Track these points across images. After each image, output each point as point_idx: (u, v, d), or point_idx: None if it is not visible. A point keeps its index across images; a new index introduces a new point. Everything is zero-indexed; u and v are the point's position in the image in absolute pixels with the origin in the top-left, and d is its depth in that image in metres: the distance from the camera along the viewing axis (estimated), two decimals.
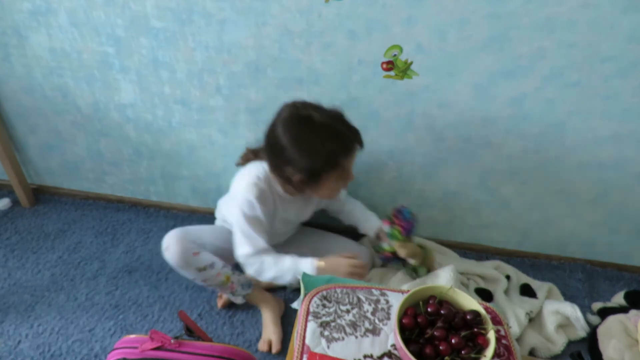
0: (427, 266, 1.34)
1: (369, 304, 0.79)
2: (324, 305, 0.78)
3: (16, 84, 1.38)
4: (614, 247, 1.51)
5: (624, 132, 1.22)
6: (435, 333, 0.71)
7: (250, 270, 1.14)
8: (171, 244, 1.11)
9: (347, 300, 0.79)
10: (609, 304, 1.39)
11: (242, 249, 1.13)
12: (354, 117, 1.29)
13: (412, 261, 1.29)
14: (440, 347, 0.69)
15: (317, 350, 0.71)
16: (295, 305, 0.90)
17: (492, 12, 1.06)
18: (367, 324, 0.76)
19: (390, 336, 0.74)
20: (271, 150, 1.10)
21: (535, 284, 1.45)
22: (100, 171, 1.60)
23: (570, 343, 1.30)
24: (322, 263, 1.11)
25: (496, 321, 0.80)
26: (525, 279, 1.48)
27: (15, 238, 1.51)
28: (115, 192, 1.67)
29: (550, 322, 1.30)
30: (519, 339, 1.27)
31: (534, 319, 1.33)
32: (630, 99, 1.16)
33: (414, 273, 1.34)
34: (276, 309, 1.30)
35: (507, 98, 1.20)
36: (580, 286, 1.49)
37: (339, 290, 0.81)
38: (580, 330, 1.31)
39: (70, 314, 1.29)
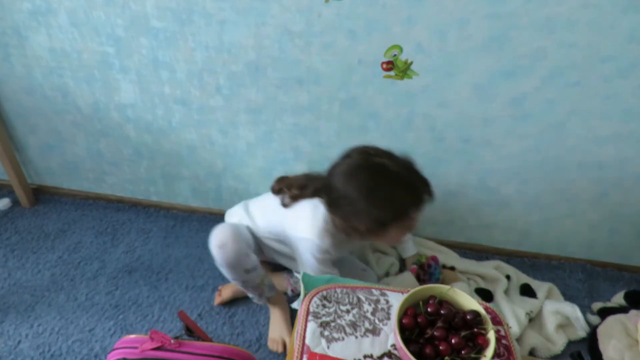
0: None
1: (369, 304, 0.79)
2: (324, 305, 0.78)
3: (16, 84, 1.38)
4: (614, 247, 1.51)
5: (624, 132, 1.22)
6: (435, 333, 0.71)
7: None
8: (229, 242, 1.07)
9: (347, 300, 0.79)
10: (609, 304, 1.39)
11: None
12: (354, 117, 1.30)
13: None
14: (440, 347, 0.69)
15: (317, 350, 0.71)
16: (295, 305, 0.90)
17: (492, 12, 1.06)
18: (367, 324, 0.76)
19: (390, 336, 0.74)
20: (337, 196, 1.03)
21: (535, 284, 1.45)
22: (100, 171, 1.60)
23: (570, 343, 1.30)
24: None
25: (496, 321, 0.80)
26: (525, 279, 1.48)
27: (15, 238, 1.51)
28: (115, 192, 1.67)
29: (550, 322, 1.30)
30: (519, 339, 1.27)
31: (534, 319, 1.33)
32: (630, 99, 1.16)
33: None
34: (286, 309, 1.30)
35: (507, 98, 1.20)
36: (580, 286, 1.49)
37: (339, 290, 0.81)
38: (580, 330, 1.31)
39: (70, 314, 1.29)
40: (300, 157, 1.42)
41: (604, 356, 1.21)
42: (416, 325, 0.72)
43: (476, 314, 0.73)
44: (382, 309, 0.79)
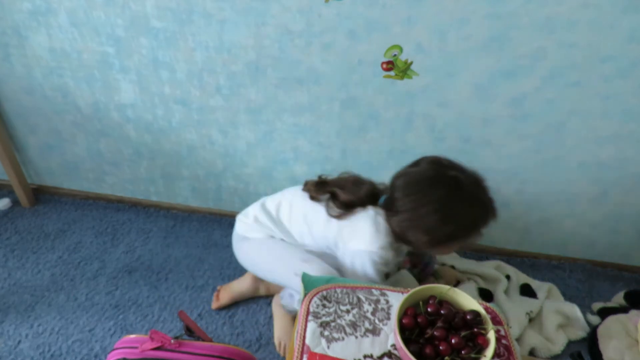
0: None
1: (369, 304, 0.79)
2: (324, 305, 0.78)
3: (16, 84, 1.38)
4: (614, 247, 1.51)
5: (624, 132, 1.22)
6: (435, 333, 0.71)
7: None
8: (315, 261, 1.04)
9: (347, 300, 0.79)
10: (609, 304, 1.39)
11: None
12: (354, 117, 1.30)
13: None
14: (440, 347, 0.69)
15: (317, 350, 0.71)
16: (295, 305, 0.90)
17: (492, 12, 1.06)
18: (367, 324, 0.76)
19: (390, 336, 0.74)
20: (403, 209, 0.98)
21: (535, 284, 1.45)
22: (100, 171, 1.60)
23: (570, 343, 1.30)
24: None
25: (496, 321, 0.80)
26: (525, 279, 1.48)
27: (15, 238, 1.51)
28: (115, 192, 1.67)
29: (550, 322, 1.30)
30: (519, 339, 1.27)
31: (534, 319, 1.33)
32: (630, 99, 1.16)
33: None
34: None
35: (507, 98, 1.20)
36: (580, 286, 1.49)
37: (339, 290, 0.81)
38: (580, 330, 1.31)
39: (70, 314, 1.29)
40: (300, 157, 1.42)
41: (604, 356, 1.21)
42: (416, 325, 0.72)
43: (476, 314, 0.73)
44: (382, 309, 0.79)
